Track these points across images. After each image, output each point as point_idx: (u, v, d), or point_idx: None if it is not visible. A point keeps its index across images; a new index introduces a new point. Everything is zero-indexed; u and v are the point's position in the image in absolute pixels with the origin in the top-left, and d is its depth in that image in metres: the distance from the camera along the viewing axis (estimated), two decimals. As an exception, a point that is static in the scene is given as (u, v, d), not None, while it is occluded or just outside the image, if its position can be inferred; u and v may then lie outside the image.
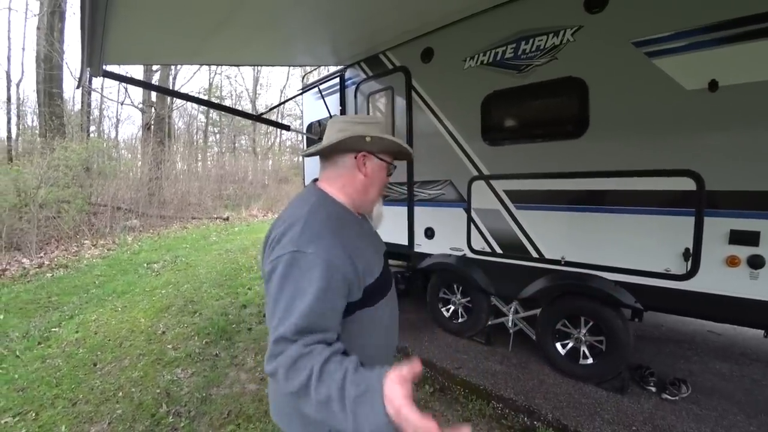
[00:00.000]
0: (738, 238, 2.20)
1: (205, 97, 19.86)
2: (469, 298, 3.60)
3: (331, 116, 4.69)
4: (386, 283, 1.08)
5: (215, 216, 13.84)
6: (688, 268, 2.35)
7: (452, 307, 3.80)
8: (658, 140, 2.44)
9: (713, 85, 2.21)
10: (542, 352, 3.11)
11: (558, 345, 3.01)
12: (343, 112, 4.54)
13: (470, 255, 3.45)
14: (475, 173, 3.32)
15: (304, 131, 5.17)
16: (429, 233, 3.81)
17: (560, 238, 2.89)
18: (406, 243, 3.98)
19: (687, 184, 2.34)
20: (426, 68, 3.62)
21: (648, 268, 2.50)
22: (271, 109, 10.15)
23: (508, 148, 3.16)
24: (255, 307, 4.86)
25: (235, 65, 18.97)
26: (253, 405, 2.77)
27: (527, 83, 2.95)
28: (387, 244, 1.35)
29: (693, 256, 2.33)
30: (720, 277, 2.26)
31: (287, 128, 4.48)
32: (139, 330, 4.21)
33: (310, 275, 0.84)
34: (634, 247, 2.55)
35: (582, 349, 2.89)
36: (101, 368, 3.41)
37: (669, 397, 2.60)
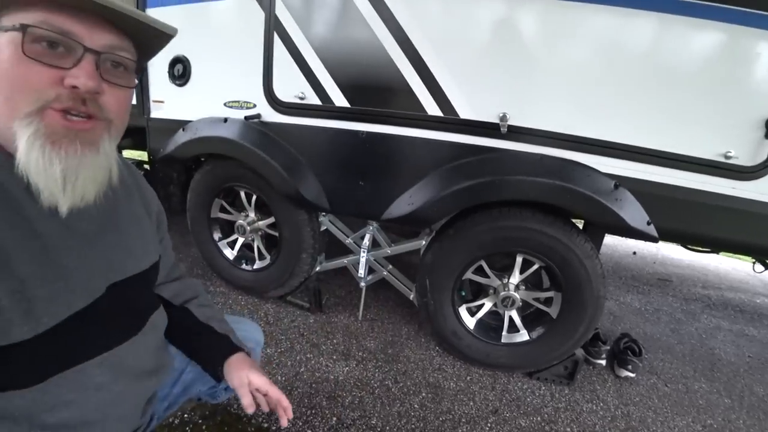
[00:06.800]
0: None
1: None
2: (273, 219, 1.65)
3: None
4: None
5: None
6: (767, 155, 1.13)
7: (240, 238, 1.79)
8: None
9: None
10: (428, 323, 1.55)
11: (463, 310, 1.51)
12: None
13: (273, 117, 1.43)
14: None
15: None
16: (178, 72, 1.58)
17: (499, 72, 1.21)
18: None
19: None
20: None
21: (688, 151, 1.16)
22: None
23: None
24: None
25: None
26: None
27: None
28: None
29: (777, 128, 1.11)
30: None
31: None
32: None
33: None
34: (662, 98, 1.14)
35: (509, 315, 1.49)
36: None
37: (630, 374, 1.55)
